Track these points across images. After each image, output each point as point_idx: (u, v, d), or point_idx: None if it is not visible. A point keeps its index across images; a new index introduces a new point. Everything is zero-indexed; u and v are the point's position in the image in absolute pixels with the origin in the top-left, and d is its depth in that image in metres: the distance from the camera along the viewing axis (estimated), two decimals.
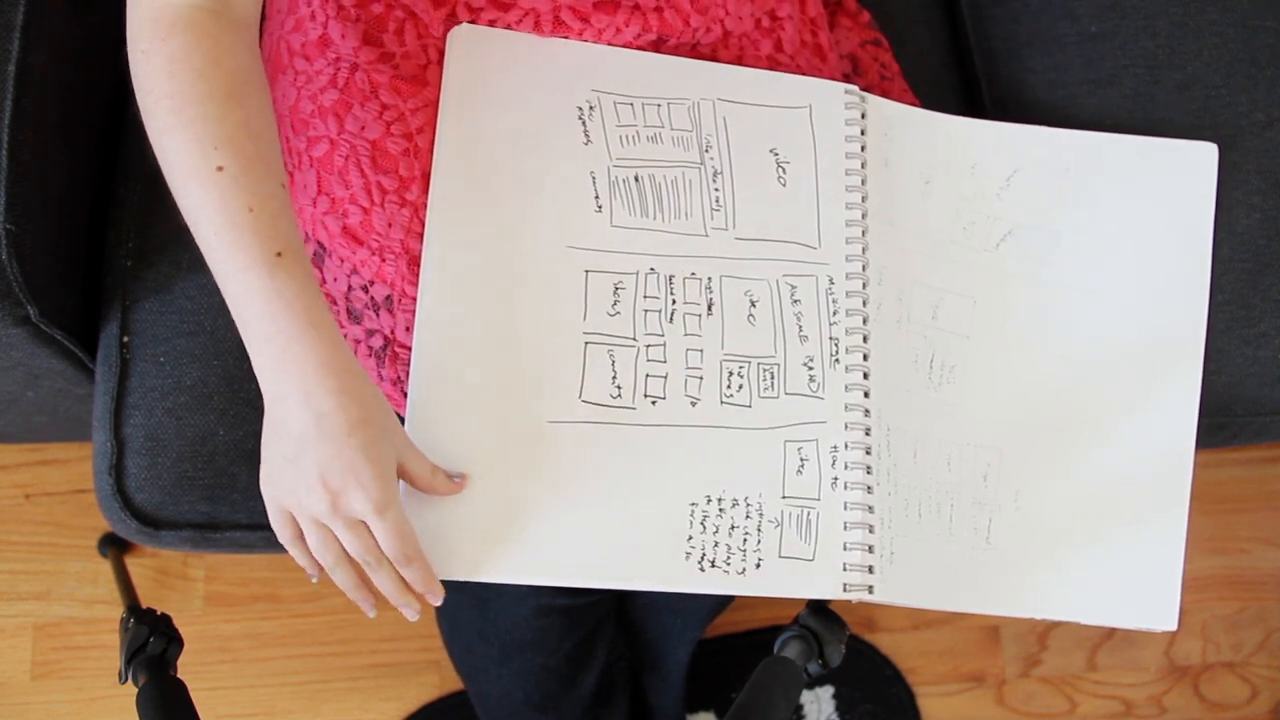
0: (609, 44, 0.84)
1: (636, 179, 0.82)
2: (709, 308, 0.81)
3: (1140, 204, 0.90)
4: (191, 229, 0.67)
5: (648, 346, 0.79)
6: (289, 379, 0.66)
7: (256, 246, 0.65)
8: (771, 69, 0.88)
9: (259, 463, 0.89)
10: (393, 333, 0.80)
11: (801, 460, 0.79)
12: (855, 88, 0.88)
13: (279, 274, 0.65)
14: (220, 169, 0.66)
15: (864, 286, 0.83)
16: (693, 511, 0.77)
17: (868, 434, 0.80)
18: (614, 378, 0.79)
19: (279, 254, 0.66)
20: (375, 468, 0.67)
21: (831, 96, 0.87)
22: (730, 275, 0.82)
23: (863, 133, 0.87)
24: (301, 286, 0.66)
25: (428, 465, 0.72)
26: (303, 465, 0.67)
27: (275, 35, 0.87)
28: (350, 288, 0.83)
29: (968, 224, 0.88)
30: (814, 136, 0.86)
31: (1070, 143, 0.91)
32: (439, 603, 0.73)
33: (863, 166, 0.86)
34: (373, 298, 0.81)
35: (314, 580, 0.74)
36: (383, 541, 0.69)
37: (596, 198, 0.81)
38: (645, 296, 0.80)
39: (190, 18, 0.67)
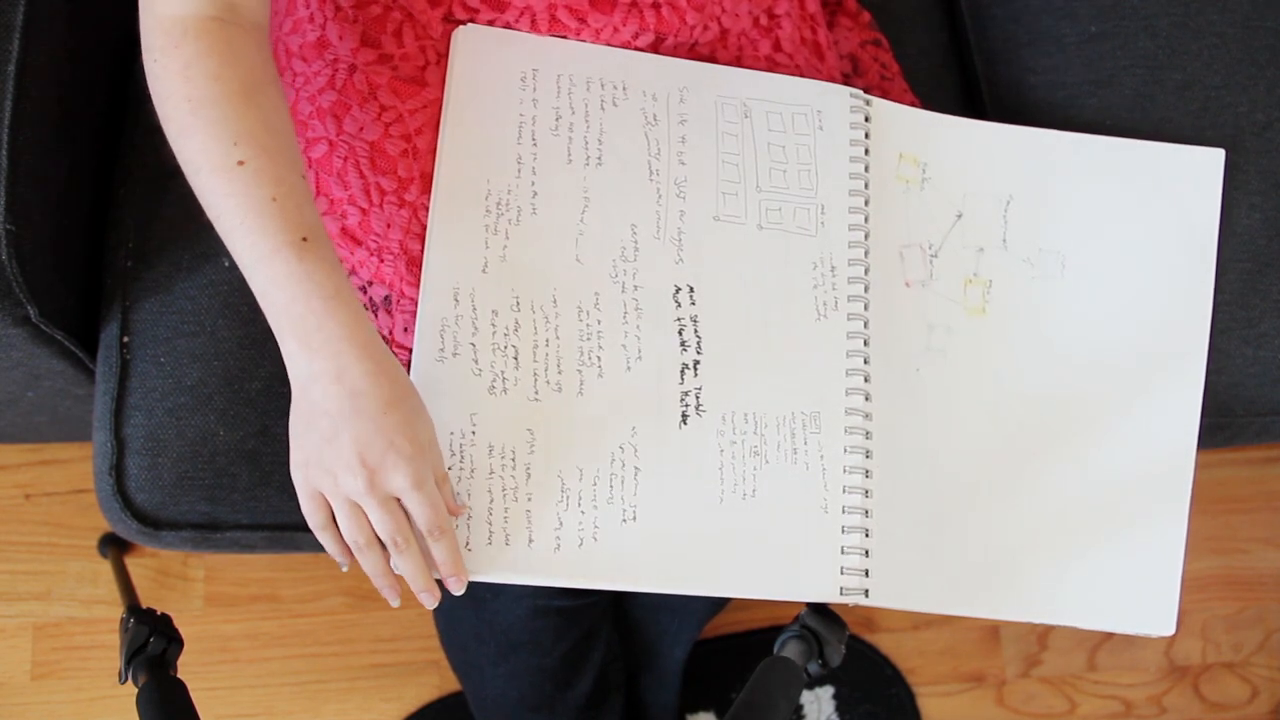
0: (607, 44, 0.84)
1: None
2: (713, 315, 0.81)
3: (1147, 208, 0.90)
4: (215, 224, 0.69)
5: (643, 355, 0.79)
6: (322, 358, 0.67)
7: (282, 233, 0.67)
8: (770, 69, 0.88)
9: (260, 462, 0.89)
10: (391, 334, 0.80)
11: (799, 462, 0.79)
12: (860, 91, 0.88)
13: (306, 257, 0.67)
14: (241, 163, 0.68)
15: (865, 290, 0.83)
16: None
17: (868, 437, 0.80)
18: (613, 384, 0.78)
19: (304, 238, 0.68)
20: (413, 444, 0.68)
21: (837, 100, 0.87)
22: (735, 274, 0.82)
23: (867, 135, 0.87)
24: (329, 268, 0.68)
25: (443, 469, 0.73)
26: (340, 443, 0.68)
27: (274, 37, 0.87)
28: None
29: (972, 224, 0.88)
30: (818, 140, 0.86)
31: (1075, 145, 0.91)
32: (461, 590, 0.73)
33: (866, 170, 0.86)
34: (371, 299, 0.81)
35: (344, 569, 0.74)
36: (417, 514, 0.70)
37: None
38: (649, 303, 0.80)
39: (200, 25, 0.70)
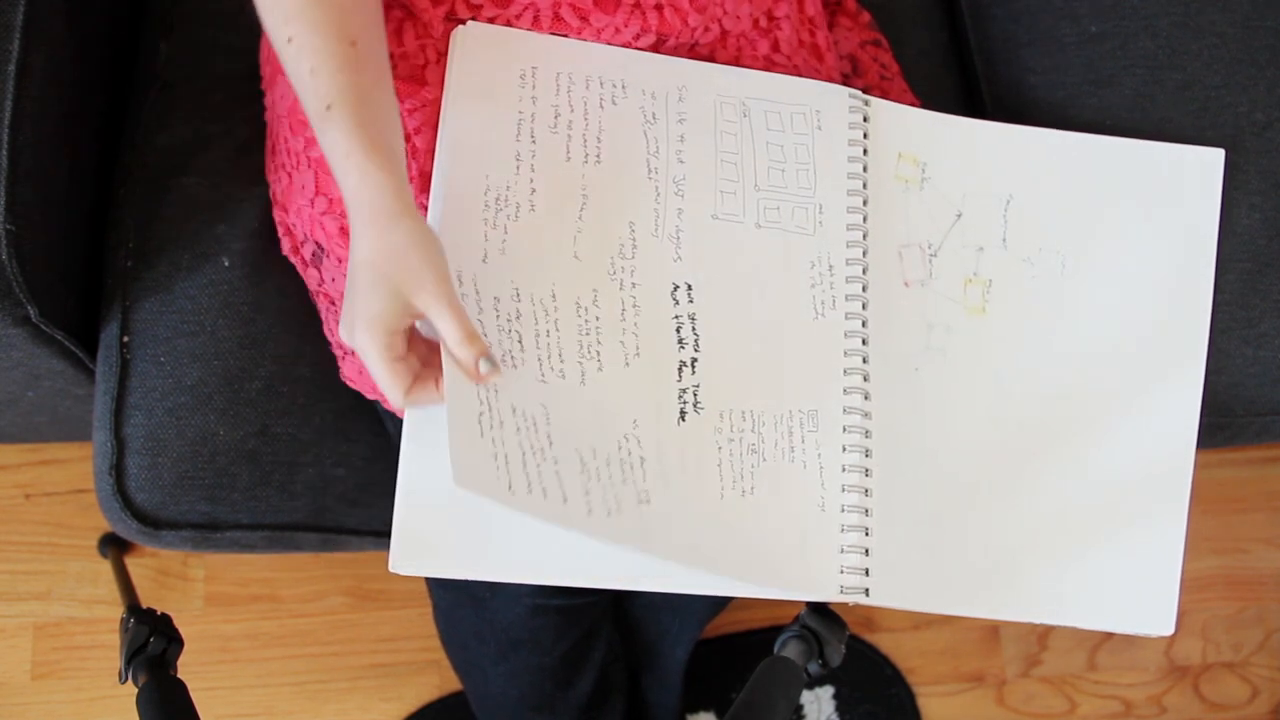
0: (608, 44, 0.84)
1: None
2: (711, 313, 0.81)
3: (1147, 208, 0.90)
4: None
5: (640, 352, 0.79)
6: (349, 217, 0.71)
7: (313, 104, 0.71)
8: (768, 69, 0.88)
9: (260, 462, 0.90)
10: None
11: (796, 460, 0.79)
12: (859, 91, 0.88)
13: (327, 126, 0.70)
14: (290, 40, 0.71)
15: (863, 290, 0.83)
16: None
17: (867, 436, 0.80)
18: (612, 379, 0.78)
19: (329, 107, 0.70)
20: (364, 307, 0.69)
21: (835, 100, 0.87)
22: (732, 273, 0.82)
23: (865, 135, 0.87)
24: (346, 134, 0.70)
25: (462, 330, 0.70)
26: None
27: None
28: None
29: (972, 223, 0.88)
30: (816, 139, 0.86)
31: (1076, 145, 0.90)
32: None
33: (864, 170, 0.86)
34: None
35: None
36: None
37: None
38: (647, 301, 0.80)
39: None
